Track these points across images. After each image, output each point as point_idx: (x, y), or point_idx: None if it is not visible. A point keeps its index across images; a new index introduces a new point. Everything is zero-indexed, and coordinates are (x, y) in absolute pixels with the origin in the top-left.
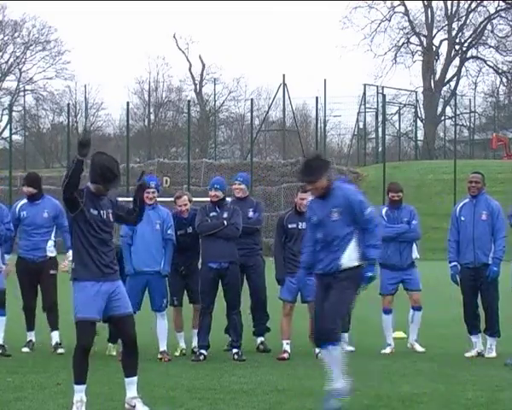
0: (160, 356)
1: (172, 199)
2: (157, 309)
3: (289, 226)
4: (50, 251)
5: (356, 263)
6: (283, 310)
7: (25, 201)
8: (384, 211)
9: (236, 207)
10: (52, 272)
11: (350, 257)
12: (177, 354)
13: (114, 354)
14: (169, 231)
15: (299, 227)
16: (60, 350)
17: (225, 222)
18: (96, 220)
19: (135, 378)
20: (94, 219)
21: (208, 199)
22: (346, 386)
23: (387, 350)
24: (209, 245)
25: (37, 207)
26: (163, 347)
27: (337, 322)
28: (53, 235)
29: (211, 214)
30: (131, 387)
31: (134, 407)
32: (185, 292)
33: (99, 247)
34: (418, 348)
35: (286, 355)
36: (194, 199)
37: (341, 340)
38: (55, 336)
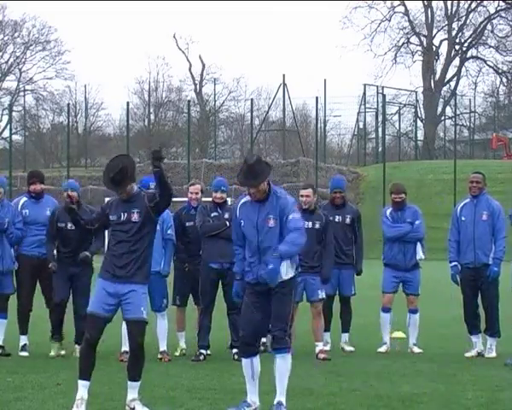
0: (160, 356)
1: (173, 199)
2: (157, 309)
3: None
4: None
5: (291, 274)
6: None
7: (25, 199)
8: (388, 212)
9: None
10: (50, 265)
11: (287, 270)
12: (177, 353)
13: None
14: (169, 231)
15: (305, 226)
16: (62, 352)
17: (227, 223)
18: (114, 224)
19: (138, 383)
20: (112, 224)
21: (207, 199)
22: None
23: (383, 349)
24: (210, 245)
25: (40, 204)
26: (163, 347)
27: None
28: None
29: (212, 215)
30: (133, 390)
31: (133, 408)
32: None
33: (114, 249)
34: (416, 350)
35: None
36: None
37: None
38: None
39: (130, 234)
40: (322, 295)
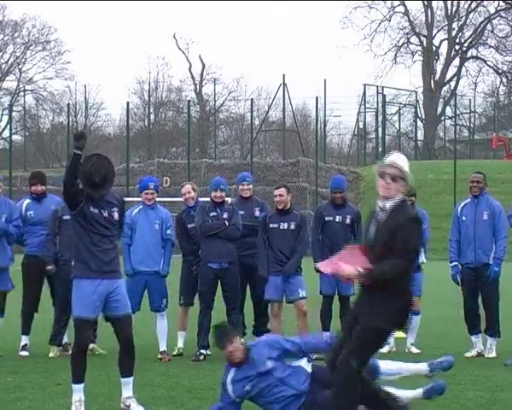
0: (159, 356)
1: (172, 199)
2: (156, 309)
3: (270, 226)
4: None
5: None
6: (272, 311)
7: (29, 201)
8: None
9: (235, 208)
10: (50, 267)
11: None
12: (175, 352)
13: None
14: (168, 232)
15: (281, 227)
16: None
17: (227, 222)
18: (97, 218)
19: (131, 379)
20: (94, 217)
21: (206, 199)
22: None
23: (385, 349)
24: (209, 245)
25: (44, 204)
26: (163, 347)
27: None
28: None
29: (211, 214)
30: (127, 387)
31: (129, 406)
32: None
33: (100, 245)
34: (414, 350)
35: None
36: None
37: None
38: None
39: (110, 230)
40: (302, 294)
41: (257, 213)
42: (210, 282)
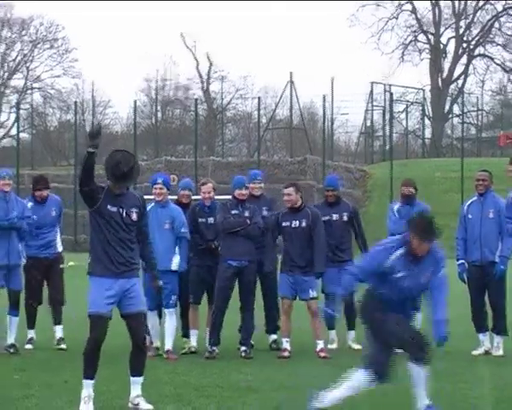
0: (165, 356)
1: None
2: (165, 305)
3: (283, 225)
4: (59, 246)
5: None
6: (282, 307)
7: (31, 204)
8: (396, 207)
9: (256, 207)
10: (61, 266)
11: None
12: (184, 350)
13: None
14: (182, 230)
15: (293, 225)
16: (62, 346)
17: (248, 221)
18: (115, 217)
19: (141, 378)
20: (112, 215)
21: (222, 197)
22: None
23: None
24: (230, 243)
25: (46, 207)
26: (169, 345)
27: None
28: (58, 230)
29: (232, 212)
30: (136, 386)
31: (137, 405)
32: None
33: (116, 244)
34: None
35: (286, 353)
36: (199, 197)
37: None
38: (59, 331)
39: (128, 230)
40: (312, 294)
41: (264, 212)
42: (229, 279)
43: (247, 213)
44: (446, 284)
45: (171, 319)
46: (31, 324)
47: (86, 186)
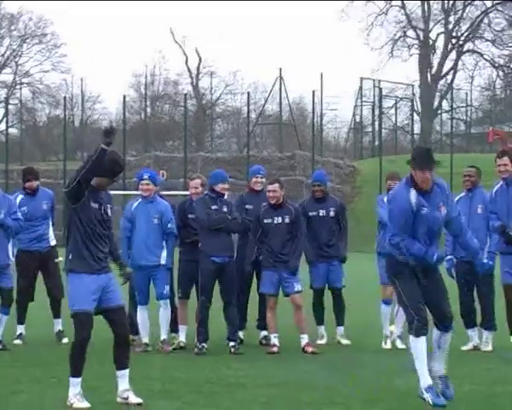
0: (159, 346)
1: (168, 192)
2: (159, 296)
3: (264, 221)
4: (52, 239)
5: None
6: (268, 304)
7: (22, 196)
8: (385, 199)
9: (231, 202)
10: (56, 260)
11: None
12: (174, 346)
13: None
14: (169, 225)
15: (275, 222)
16: (64, 340)
17: (229, 216)
18: (96, 214)
19: (127, 371)
20: (94, 212)
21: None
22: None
23: (388, 345)
24: (212, 239)
25: (37, 199)
26: (163, 335)
27: None
28: (51, 224)
29: (212, 207)
30: (124, 379)
31: (127, 399)
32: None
33: (97, 240)
34: (399, 345)
35: (275, 349)
36: (188, 192)
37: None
38: (58, 324)
39: (107, 226)
40: (297, 287)
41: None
42: (211, 275)
43: (225, 209)
44: (465, 226)
45: (165, 310)
46: (21, 319)
47: (86, 182)
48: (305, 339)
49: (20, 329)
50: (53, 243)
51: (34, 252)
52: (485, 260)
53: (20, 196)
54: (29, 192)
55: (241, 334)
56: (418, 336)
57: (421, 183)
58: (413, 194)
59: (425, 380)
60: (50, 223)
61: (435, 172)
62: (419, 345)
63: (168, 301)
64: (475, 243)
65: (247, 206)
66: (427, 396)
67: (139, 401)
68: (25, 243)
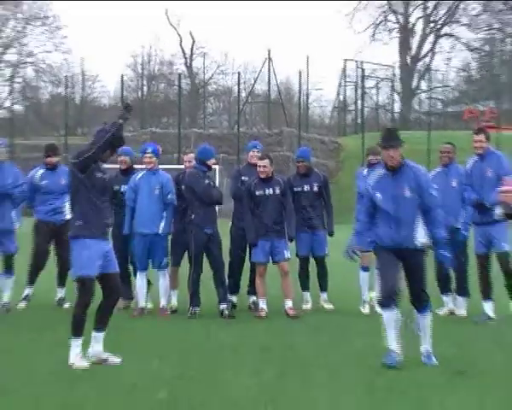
0: (160, 312)
1: (164, 166)
2: (157, 267)
3: (257, 193)
4: (68, 214)
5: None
6: (257, 271)
7: (42, 171)
8: (364, 172)
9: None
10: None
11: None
12: (168, 312)
13: None
14: (169, 196)
15: (267, 193)
16: (66, 305)
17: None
18: (101, 183)
19: (104, 333)
20: (99, 181)
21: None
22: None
23: (366, 310)
24: (204, 211)
25: (56, 175)
26: (163, 302)
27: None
28: (67, 198)
29: (206, 182)
30: (100, 341)
31: (106, 360)
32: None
33: (101, 208)
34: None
35: (263, 313)
36: (182, 166)
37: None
38: (61, 292)
39: (107, 195)
40: (287, 255)
41: None
42: (204, 246)
43: (211, 182)
44: (436, 208)
45: (163, 280)
46: (31, 280)
47: (102, 153)
48: (288, 304)
49: (28, 290)
50: (68, 216)
51: (50, 224)
52: (462, 231)
53: (41, 171)
54: (49, 167)
55: (234, 299)
56: (382, 307)
57: (386, 160)
58: (373, 176)
59: (390, 344)
60: (67, 198)
61: (402, 150)
62: (385, 315)
63: (166, 271)
64: (439, 235)
65: (244, 177)
66: (385, 360)
67: (118, 360)
68: (41, 214)
